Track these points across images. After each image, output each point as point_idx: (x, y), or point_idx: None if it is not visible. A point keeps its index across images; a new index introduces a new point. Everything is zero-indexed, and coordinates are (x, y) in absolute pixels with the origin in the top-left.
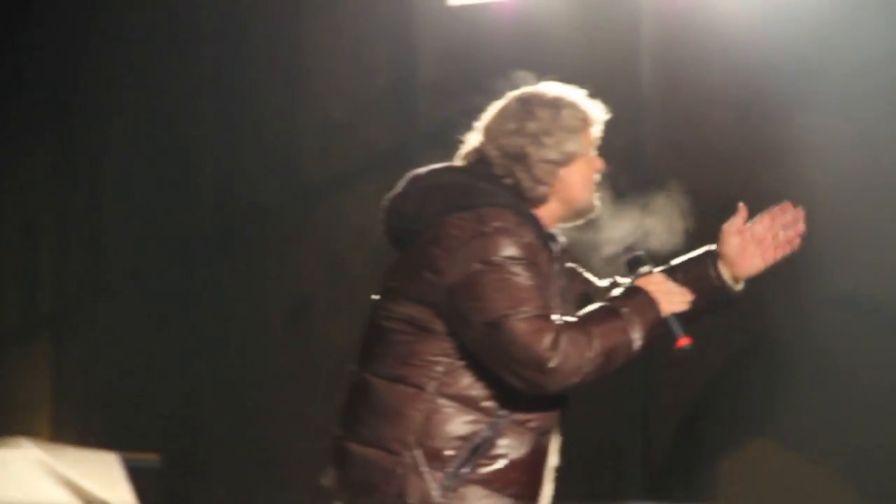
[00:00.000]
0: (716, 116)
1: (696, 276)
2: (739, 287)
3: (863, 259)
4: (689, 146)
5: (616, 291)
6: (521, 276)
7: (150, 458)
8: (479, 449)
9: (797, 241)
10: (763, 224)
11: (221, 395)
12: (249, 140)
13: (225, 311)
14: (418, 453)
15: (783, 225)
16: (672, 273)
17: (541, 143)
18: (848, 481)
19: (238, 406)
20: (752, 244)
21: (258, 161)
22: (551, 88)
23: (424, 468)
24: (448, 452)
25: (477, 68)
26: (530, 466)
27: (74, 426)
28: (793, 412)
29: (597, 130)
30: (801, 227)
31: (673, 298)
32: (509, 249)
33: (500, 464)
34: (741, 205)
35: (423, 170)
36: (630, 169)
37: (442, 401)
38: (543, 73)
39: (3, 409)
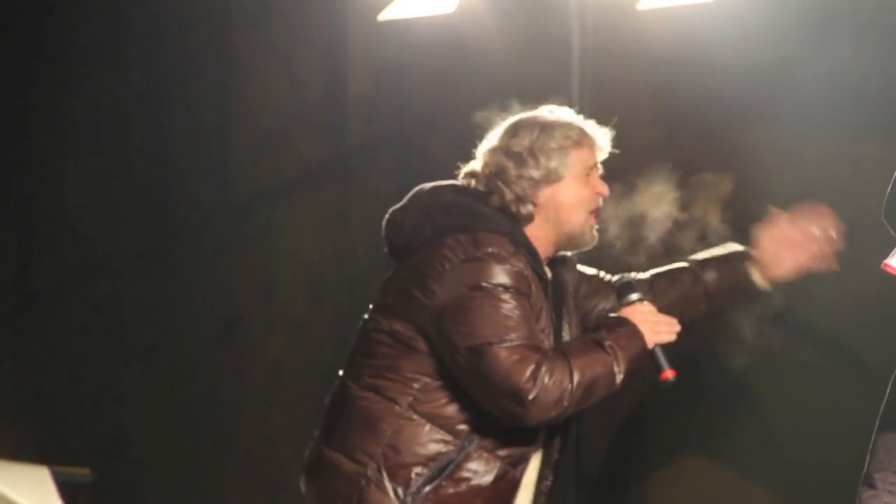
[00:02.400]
0: (646, 134)
1: (729, 279)
2: (771, 287)
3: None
4: (618, 162)
5: (605, 316)
6: (509, 305)
7: (82, 473)
8: (444, 470)
9: (835, 243)
10: (795, 226)
11: (152, 410)
12: (180, 153)
13: (156, 325)
14: (382, 466)
15: (817, 225)
16: (702, 270)
17: (523, 160)
18: (781, 497)
19: (169, 421)
20: (787, 248)
21: (189, 174)
22: (550, 110)
23: (387, 482)
24: (413, 470)
25: (408, 84)
26: (494, 495)
27: (5, 439)
28: (728, 427)
29: (596, 153)
30: (833, 224)
31: (659, 329)
32: (500, 277)
33: (463, 487)
34: (773, 208)
35: (427, 186)
36: None
37: (414, 417)
38: (474, 90)
39: None
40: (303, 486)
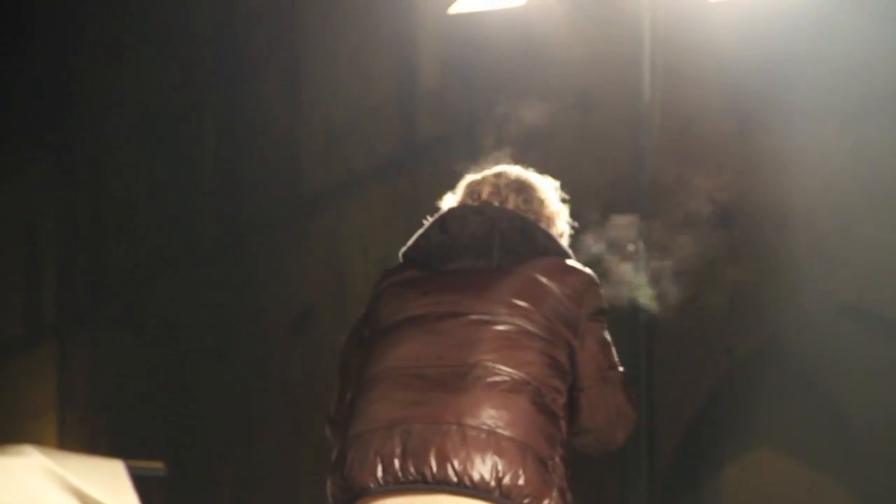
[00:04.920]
0: (717, 126)
1: None
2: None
3: (866, 268)
4: (689, 155)
5: None
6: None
7: (156, 467)
8: None
9: None
10: None
11: (226, 403)
12: (250, 148)
13: (229, 318)
14: None
15: None
16: None
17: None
18: (854, 491)
19: (242, 414)
20: None
21: (259, 169)
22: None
23: None
24: None
25: (478, 77)
26: None
27: (80, 433)
28: (797, 420)
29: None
30: None
31: None
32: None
33: None
34: None
35: (496, 206)
36: (631, 179)
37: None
38: (544, 83)
39: (8, 418)
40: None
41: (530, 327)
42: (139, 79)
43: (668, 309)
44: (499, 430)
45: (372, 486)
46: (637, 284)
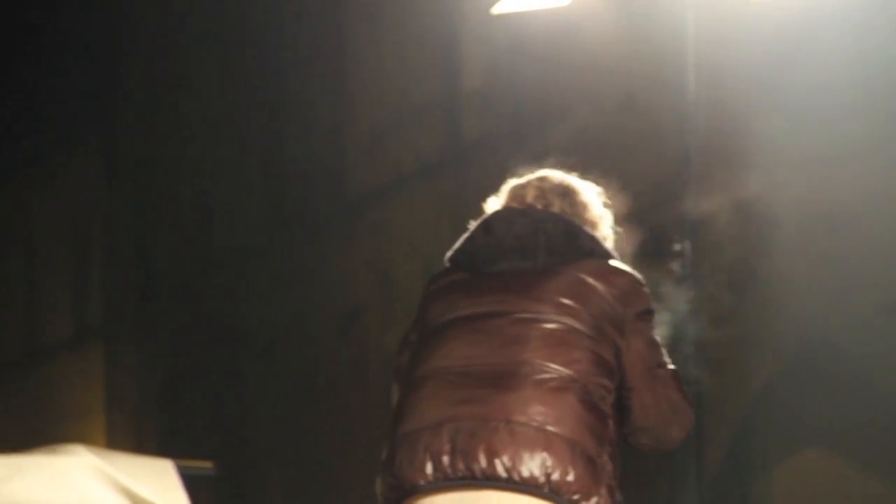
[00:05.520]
0: (763, 122)
1: None
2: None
3: None
4: (735, 154)
5: None
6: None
7: (205, 466)
8: None
9: None
10: None
11: (274, 404)
12: (296, 149)
13: (276, 318)
14: None
15: None
16: None
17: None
18: None
19: (290, 414)
20: None
21: (305, 170)
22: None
23: None
24: None
25: (522, 77)
26: None
27: (128, 433)
28: (848, 420)
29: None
30: None
31: None
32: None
33: None
34: None
35: (528, 207)
36: (676, 178)
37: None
38: (588, 82)
39: (57, 418)
40: None
41: (577, 325)
42: (185, 80)
43: (716, 309)
44: (547, 427)
45: (422, 483)
46: (683, 285)
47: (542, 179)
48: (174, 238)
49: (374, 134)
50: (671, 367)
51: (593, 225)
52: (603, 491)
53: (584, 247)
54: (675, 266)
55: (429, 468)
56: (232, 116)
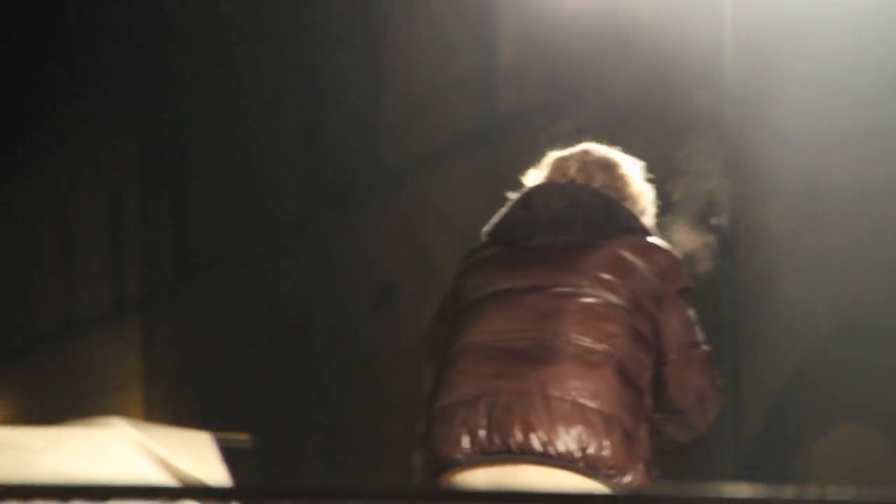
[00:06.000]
0: (799, 99)
1: None
2: None
3: None
4: (772, 129)
5: None
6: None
7: (242, 438)
8: None
9: None
10: None
11: (309, 377)
12: (332, 123)
13: (312, 293)
14: None
15: None
16: None
17: (637, 197)
18: None
19: (326, 388)
20: None
21: (341, 144)
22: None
23: None
24: None
25: (558, 51)
26: None
27: (165, 406)
28: (884, 392)
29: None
30: None
31: None
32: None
33: None
34: None
35: (572, 184)
36: (714, 153)
37: None
38: (625, 56)
39: (96, 390)
40: None
41: (615, 300)
42: (222, 55)
43: (752, 284)
44: (583, 401)
45: (459, 457)
46: (721, 260)
47: (584, 153)
48: (210, 212)
49: (410, 107)
50: (705, 347)
51: (634, 200)
52: (640, 466)
53: (623, 222)
54: (712, 242)
55: (465, 442)
56: (268, 91)
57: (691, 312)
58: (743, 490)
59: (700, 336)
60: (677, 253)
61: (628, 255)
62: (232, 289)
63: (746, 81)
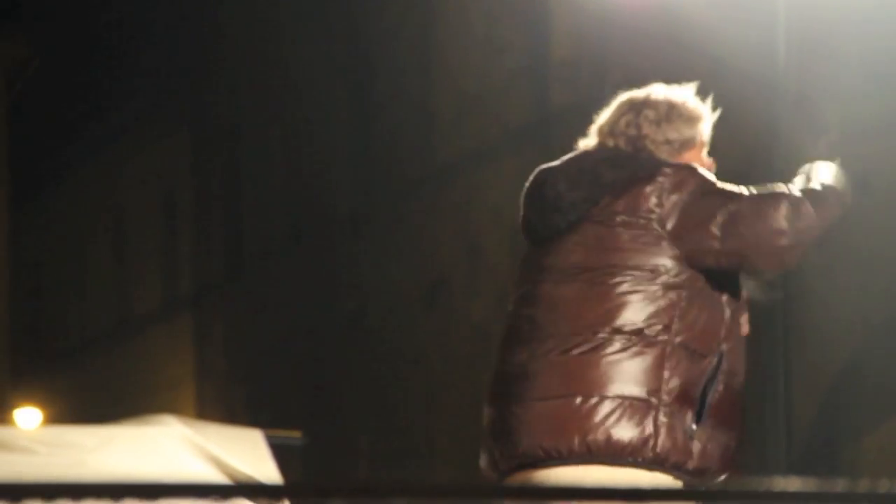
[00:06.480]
0: (854, 90)
1: None
2: None
3: None
4: (825, 118)
5: None
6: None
7: (294, 436)
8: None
9: None
10: None
11: (361, 375)
12: (384, 119)
13: (363, 289)
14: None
15: None
16: None
17: (659, 126)
18: None
19: (377, 386)
20: None
21: (392, 140)
22: (660, 89)
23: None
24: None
25: (611, 47)
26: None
27: (218, 404)
28: None
29: (707, 128)
30: None
31: None
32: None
33: None
34: None
35: (581, 152)
36: (766, 147)
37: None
38: (678, 52)
39: (148, 389)
40: None
41: (621, 276)
42: (273, 53)
43: (803, 278)
44: (625, 393)
45: (517, 461)
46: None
47: (644, 103)
48: (262, 210)
49: (462, 103)
50: (747, 191)
51: (654, 132)
52: (690, 449)
53: (642, 172)
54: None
55: (522, 445)
56: (320, 88)
57: (712, 192)
58: (794, 484)
59: (734, 191)
60: (682, 165)
61: (646, 189)
62: (284, 286)
63: (799, 73)
